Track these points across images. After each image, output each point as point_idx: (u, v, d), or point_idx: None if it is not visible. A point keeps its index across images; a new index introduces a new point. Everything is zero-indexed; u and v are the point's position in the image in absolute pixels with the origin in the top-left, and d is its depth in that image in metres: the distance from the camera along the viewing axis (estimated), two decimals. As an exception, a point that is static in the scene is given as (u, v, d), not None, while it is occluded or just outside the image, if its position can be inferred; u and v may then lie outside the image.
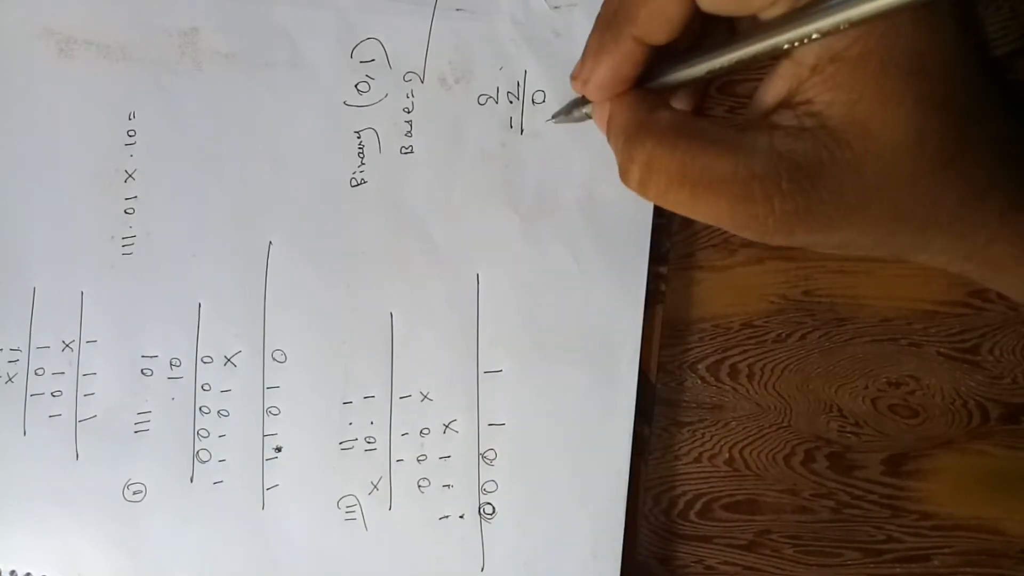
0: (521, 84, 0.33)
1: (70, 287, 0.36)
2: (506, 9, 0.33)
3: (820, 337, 0.34)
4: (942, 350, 0.34)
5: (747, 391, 0.35)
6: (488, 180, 0.34)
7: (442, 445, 0.35)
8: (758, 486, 0.35)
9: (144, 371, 0.35)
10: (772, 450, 0.35)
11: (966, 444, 0.34)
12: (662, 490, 0.36)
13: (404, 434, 0.35)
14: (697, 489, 0.36)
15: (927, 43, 0.19)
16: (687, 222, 0.34)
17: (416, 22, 0.33)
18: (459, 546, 0.35)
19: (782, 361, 0.35)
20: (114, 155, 0.35)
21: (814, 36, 0.19)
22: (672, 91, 0.24)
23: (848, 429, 0.35)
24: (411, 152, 0.34)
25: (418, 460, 0.35)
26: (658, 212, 0.33)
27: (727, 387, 0.35)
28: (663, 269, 0.34)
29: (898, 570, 0.35)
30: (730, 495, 0.35)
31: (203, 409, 0.35)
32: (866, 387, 0.34)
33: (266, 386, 0.35)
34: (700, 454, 0.35)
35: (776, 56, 0.20)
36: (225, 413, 0.35)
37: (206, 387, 0.35)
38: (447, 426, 0.35)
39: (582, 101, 0.26)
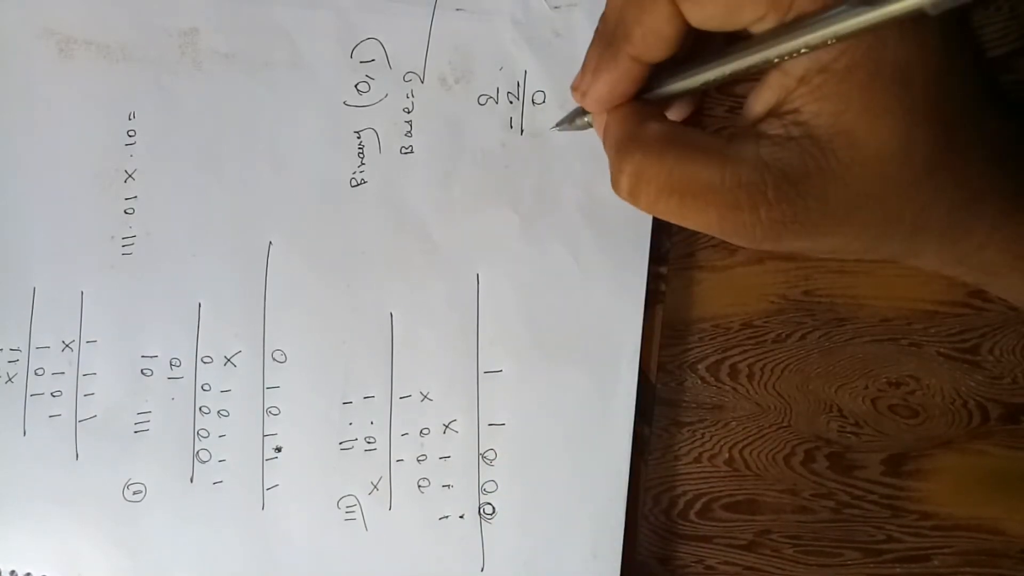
0: (521, 84, 0.33)
1: (70, 287, 0.36)
2: (506, 9, 0.33)
3: (820, 337, 0.34)
4: (942, 350, 0.34)
5: (747, 391, 0.35)
6: (488, 180, 0.34)
7: (442, 445, 0.35)
8: (758, 486, 0.35)
9: (144, 371, 0.35)
10: (772, 450, 0.35)
11: (966, 444, 0.34)
12: (662, 490, 0.36)
13: (404, 434, 0.35)
14: (697, 489, 0.36)
15: (914, 55, 0.19)
16: (687, 222, 0.34)
17: (416, 22, 0.33)
18: (459, 546, 0.35)
19: (782, 361, 0.35)
20: (114, 155, 0.35)
21: (803, 50, 0.19)
22: (669, 101, 0.24)
23: (848, 429, 0.35)
24: (411, 152, 0.34)
25: (418, 460, 0.35)
26: (658, 212, 0.33)
27: (727, 387, 0.35)
28: (663, 269, 0.34)
29: (898, 570, 0.35)
30: (730, 495, 0.35)
31: (203, 409, 0.35)
32: (866, 387, 0.34)
33: (266, 386, 0.35)
34: (700, 454, 0.35)
35: (766, 67, 0.21)
36: (225, 413, 0.35)
37: (206, 387, 0.35)
38: (447, 426, 0.35)
39: (583, 111, 0.26)
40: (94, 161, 0.35)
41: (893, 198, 0.20)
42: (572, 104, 0.26)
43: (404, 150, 0.34)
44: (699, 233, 0.35)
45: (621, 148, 0.23)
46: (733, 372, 0.35)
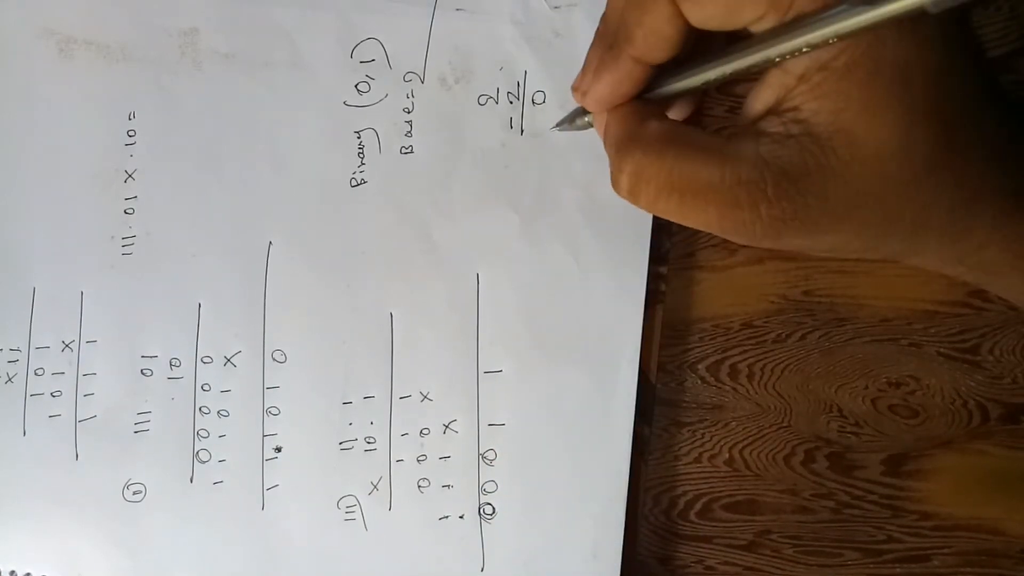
0: (521, 84, 0.33)
1: (70, 287, 0.36)
2: (506, 9, 0.33)
3: (820, 337, 0.34)
4: (942, 350, 0.34)
5: (747, 391, 0.35)
6: (488, 180, 0.34)
7: (442, 445, 0.35)
8: (758, 486, 0.35)
9: (144, 371, 0.35)
10: (772, 450, 0.35)
11: (966, 444, 0.34)
12: (662, 490, 0.36)
13: (404, 434, 0.35)
14: (697, 489, 0.36)
15: (913, 54, 0.19)
16: (687, 222, 0.34)
17: (416, 22, 0.33)
18: (459, 546, 0.35)
19: (782, 361, 0.35)
20: (114, 155, 0.35)
21: (804, 50, 0.19)
22: (669, 101, 0.24)
23: (848, 429, 0.35)
24: (411, 152, 0.34)
25: (418, 460, 0.35)
26: (658, 212, 0.33)
27: (727, 387, 0.35)
28: (663, 269, 0.34)
29: (898, 570, 0.35)
30: (730, 495, 0.35)
31: (203, 409, 0.35)
32: (866, 387, 0.34)
33: (266, 386, 0.35)
34: (700, 454, 0.35)
35: (767, 66, 0.21)
36: (225, 413, 0.35)
37: (206, 387, 0.35)
38: (447, 426, 0.35)
39: (584, 111, 0.26)
40: (94, 161, 0.35)
41: (893, 196, 0.20)
42: (572, 104, 0.26)
43: (404, 150, 0.34)
44: (699, 233, 0.35)
45: (621, 147, 0.23)
46: (733, 372, 0.35)
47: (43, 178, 0.35)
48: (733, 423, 0.35)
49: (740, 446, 0.35)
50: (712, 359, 0.35)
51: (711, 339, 0.35)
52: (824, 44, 0.19)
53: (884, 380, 0.34)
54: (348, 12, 0.34)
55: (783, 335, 0.35)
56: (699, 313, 0.35)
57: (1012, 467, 0.34)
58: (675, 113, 0.26)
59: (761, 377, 0.35)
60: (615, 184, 0.23)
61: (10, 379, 0.36)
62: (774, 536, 0.35)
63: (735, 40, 0.21)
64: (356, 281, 0.35)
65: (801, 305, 0.34)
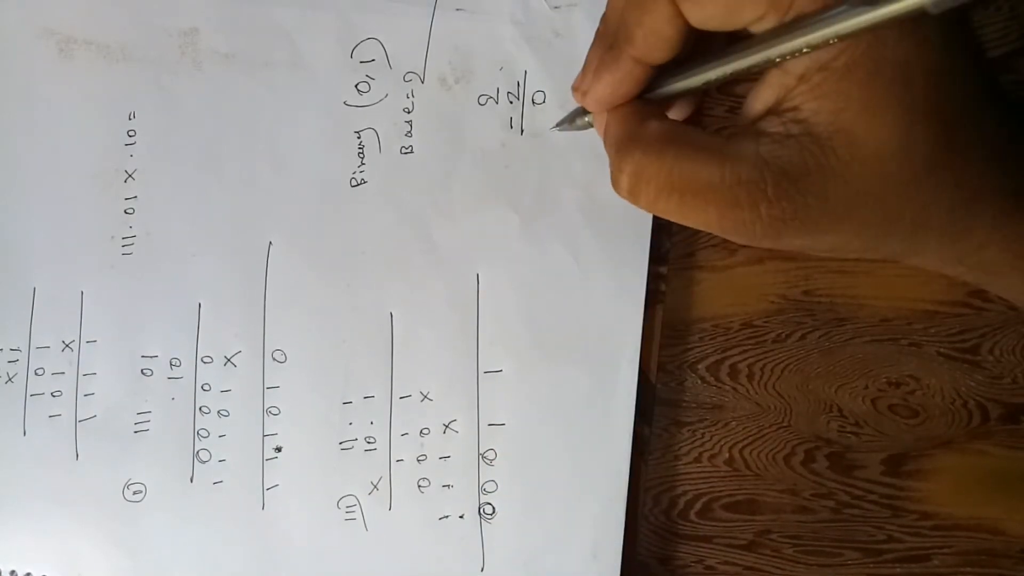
0: (521, 84, 0.33)
1: (70, 287, 0.36)
2: (506, 9, 0.33)
3: (820, 337, 0.34)
4: (942, 350, 0.34)
5: (747, 391, 0.35)
6: (488, 180, 0.34)
7: (442, 445, 0.35)
8: (758, 486, 0.35)
9: (144, 371, 0.35)
10: (772, 450, 0.35)
11: (966, 444, 0.34)
12: (662, 490, 0.36)
13: (404, 434, 0.35)
14: (697, 489, 0.36)
15: (913, 54, 0.19)
16: (687, 222, 0.34)
17: (416, 22, 0.33)
18: (459, 546, 0.35)
19: (782, 361, 0.35)
20: (114, 155, 0.35)
21: (804, 50, 0.19)
22: (669, 101, 0.24)
23: (848, 429, 0.35)
24: (411, 152, 0.34)
25: (418, 460, 0.35)
26: (658, 212, 0.33)
27: (727, 387, 0.35)
28: (663, 269, 0.34)
29: (898, 570, 0.35)
30: (730, 495, 0.35)
31: (203, 409, 0.35)
32: (866, 387, 0.34)
33: (266, 386, 0.35)
34: (700, 454, 0.35)
35: (767, 67, 0.21)
36: (225, 413, 0.35)
37: (206, 387, 0.35)
38: (447, 426, 0.35)
39: (584, 111, 0.26)
40: (94, 161, 0.35)
41: (893, 196, 0.20)
42: (572, 104, 0.26)
43: (404, 150, 0.34)
44: (699, 233, 0.35)
45: (621, 147, 0.23)
46: (733, 372, 0.35)
47: (43, 178, 0.35)
48: (733, 423, 0.35)
49: (740, 446, 0.35)
50: (712, 359, 0.35)
51: (711, 339, 0.35)
52: (824, 44, 0.19)
53: (884, 380, 0.34)
54: (348, 12, 0.34)
55: (783, 335, 0.35)
56: (699, 313, 0.35)
57: (1012, 467, 0.34)
58: (675, 113, 0.26)
59: (761, 377, 0.35)
60: (615, 184, 0.23)
61: (10, 379, 0.36)
62: (774, 536, 0.35)
63: (735, 40, 0.21)
64: (356, 281, 0.35)
65: (801, 305, 0.34)
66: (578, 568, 0.34)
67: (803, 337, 0.34)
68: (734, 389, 0.35)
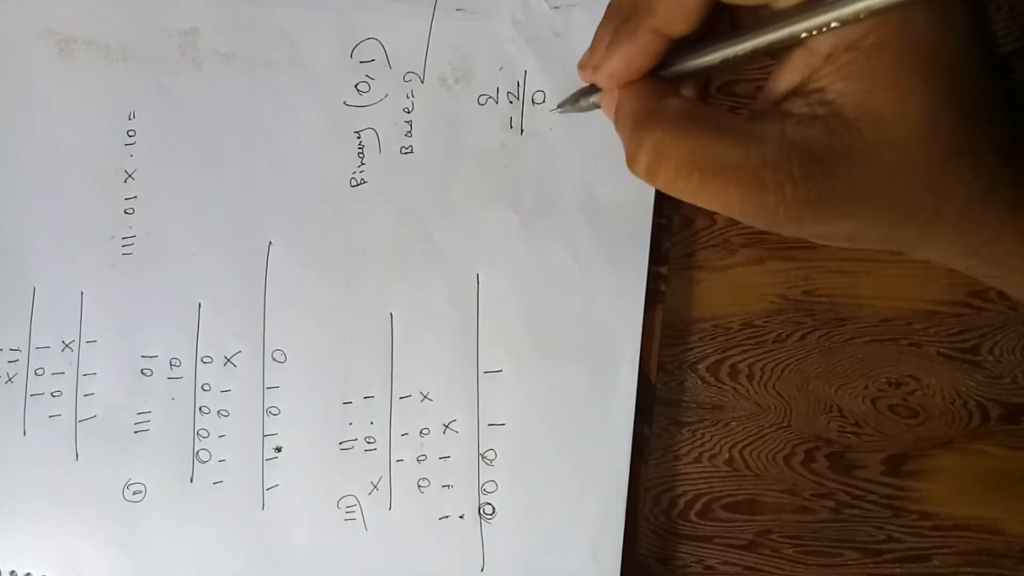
0: (521, 84, 0.33)
1: (70, 287, 0.36)
2: (506, 9, 0.33)
3: (820, 337, 0.34)
4: (942, 350, 0.34)
5: (747, 391, 0.35)
6: (488, 180, 0.34)
7: (442, 445, 0.35)
8: (758, 486, 0.35)
9: (144, 371, 0.35)
10: (772, 450, 0.35)
11: (966, 444, 0.34)
12: (662, 490, 0.36)
13: (404, 434, 0.35)
14: (697, 489, 0.36)
15: (939, 35, 0.19)
16: (687, 222, 0.34)
17: (416, 22, 0.33)
18: (459, 546, 0.35)
19: (782, 361, 0.35)
20: (114, 155, 0.35)
21: (833, 25, 0.19)
22: (681, 80, 0.23)
23: (848, 429, 0.35)
24: (411, 152, 0.34)
25: (418, 460, 0.35)
26: (658, 212, 0.33)
27: (727, 387, 0.35)
28: (663, 269, 0.34)
29: (898, 570, 0.35)
30: (730, 495, 0.35)
31: (203, 409, 0.35)
32: (866, 387, 0.34)
33: (266, 386, 0.35)
34: (700, 454, 0.35)
35: (790, 45, 0.20)
36: (225, 413, 0.35)
37: (206, 387, 0.35)
38: (447, 426, 0.35)
39: (589, 90, 0.25)
40: (94, 161, 0.35)
41: (916, 181, 0.20)
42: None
43: (404, 150, 0.34)
44: (699, 233, 0.35)
45: (639, 124, 0.22)
46: (733, 372, 0.35)
47: (43, 178, 0.35)
48: (733, 423, 0.35)
49: (740, 446, 0.35)
50: (712, 359, 0.35)
51: (711, 339, 0.35)
52: (855, 20, 0.19)
53: (884, 380, 0.34)
54: (348, 12, 0.34)
55: (783, 335, 0.35)
56: (699, 313, 0.35)
57: (1012, 467, 0.34)
58: (684, 94, 0.26)
59: (761, 377, 0.35)
60: (631, 162, 0.22)
61: (10, 379, 0.36)
62: (774, 536, 0.35)
63: (748, 18, 0.21)
64: (356, 281, 0.35)
65: (801, 305, 0.34)
66: (578, 568, 0.34)
67: (803, 337, 0.34)
68: (734, 389, 0.35)
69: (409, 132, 0.34)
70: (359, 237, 0.34)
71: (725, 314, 0.35)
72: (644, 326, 0.34)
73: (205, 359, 0.35)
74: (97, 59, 0.35)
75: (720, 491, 0.35)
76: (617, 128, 0.23)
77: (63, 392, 0.36)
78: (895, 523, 0.35)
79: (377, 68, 0.34)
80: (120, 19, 0.35)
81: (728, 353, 0.35)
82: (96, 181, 0.35)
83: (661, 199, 0.33)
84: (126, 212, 0.35)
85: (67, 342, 0.36)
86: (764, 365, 0.35)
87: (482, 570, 0.35)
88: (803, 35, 0.20)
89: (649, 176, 0.22)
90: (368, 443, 0.35)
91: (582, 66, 0.24)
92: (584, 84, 0.25)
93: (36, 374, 0.36)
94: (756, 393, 0.35)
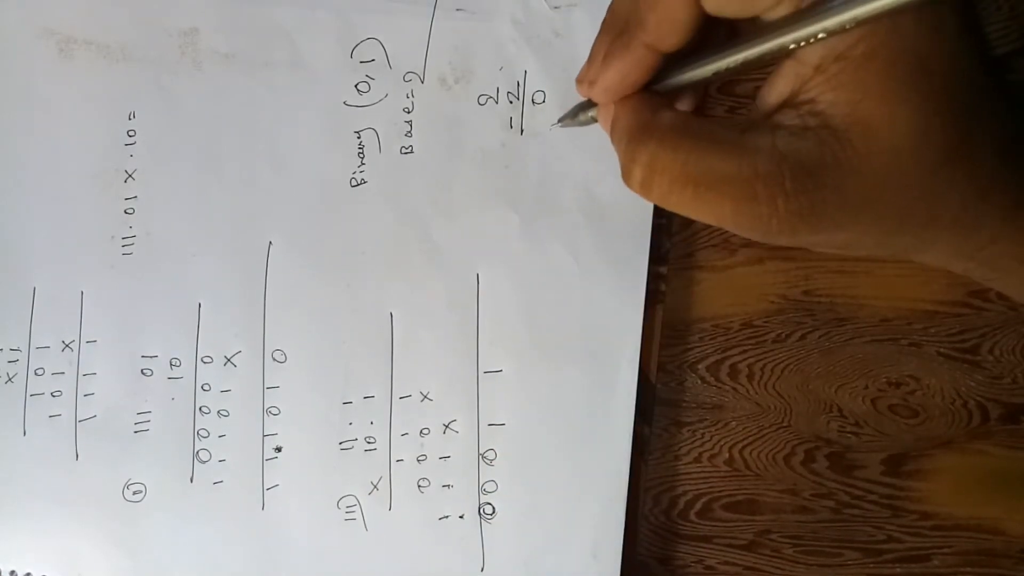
0: (521, 84, 0.33)
1: (70, 287, 0.36)
2: (506, 9, 0.33)
3: (820, 337, 0.34)
4: (942, 350, 0.34)
5: (747, 391, 0.35)
6: (488, 180, 0.34)
7: (442, 445, 0.35)
8: (758, 486, 0.35)
9: (144, 371, 0.35)
10: (772, 450, 0.35)
11: (966, 444, 0.34)
12: (662, 490, 0.36)
13: (404, 434, 0.35)
14: (697, 489, 0.36)
15: (930, 42, 0.19)
16: (687, 222, 0.34)
17: (416, 22, 0.33)
18: (459, 546, 0.35)
19: (782, 361, 0.35)
20: (114, 155, 0.35)
21: (820, 35, 0.19)
22: (676, 92, 0.24)
23: (848, 429, 0.35)
24: (411, 152, 0.34)
25: (418, 460, 0.35)
26: (658, 212, 0.33)
27: (727, 387, 0.35)
28: (663, 269, 0.34)
29: (898, 570, 0.35)
30: (730, 495, 0.35)
31: (203, 409, 0.35)
32: (866, 387, 0.34)
33: (266, 386, 0.35)
34: (700, 454, 0.35)
35: (780, 56, 0.20)
36: (225, 413, 0.35)
37: (206, 387, 0.35)
38: (447, 426, 0.35)
39: (587, 105, 0.26)
40: (94, 161, 0.35)
41: (908, 190, 0.20)
42: (572, 103, 0.26)
43: (404, 150, 0.34)
44: (699, 233, 0.35)
45: (633, 139, 0.22)
46: (733, 372, 0.35)
47: (43, 178, 0.35)
48: (733, 423, 0.35)
49: (740, 446, 0.35)
50: (712, 359, 0.35)
51: (711, 339, 0.35)
52: (841, 30, 0.19)
53: (884, 380, 0.34)
54: (348, 12, 0.34)
55: (783, 335, 0.35)
56: (699, 313, 0.35)
57: (1012, 467, 0.34)
58: (679, 106, 0.26)
59: (761, 377, 0.35)
60: (626, 176, 0.22)
61: (10, 379, 0.36)
62: (774, 536, 0.35)
63: (743, 30, 0.21)
64: (356, 281, 0.35)
65: (801, 305, 0.34)
66: (578, 568, 0.34)
67: (803, 337, 0.34)
68: (734, 389, 0.35)
69: (409, 132, 0.34)
70: (359, 237, 0.34)
71: (725, 314, 0.35)
72: (644, 326, 0.34)
73: (205, 359, 0.35)
74: (97, 59, 0.35)
75: (720, 491, 0.35)
76: (613, 142, 0.24)
77: (63, 392, 0.36)
78: (895, 523, 0.35)
79: (377, 68, 0.34)
80: (120, 19, 0.35)
81: (728, 353, 0.35)
82: (96, 181, 0.35)
83: (661, 199, 0.33)
84: (126, 212, 0.35)
85: (67, 342, 0.36)
86: (764, 365, 0.35)
87: (482, 570, 0.35)
88: (792, 46, 0.20)
89: (644, 190, 0.22)
90: (368, 443, 0.35)
91: (579, 81, 0.24)
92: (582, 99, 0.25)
93: (36, 374, 0.36)
94: (756, 393, 0.35)
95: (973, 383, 0.34)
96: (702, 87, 0.26)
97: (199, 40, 0.34)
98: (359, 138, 0.34)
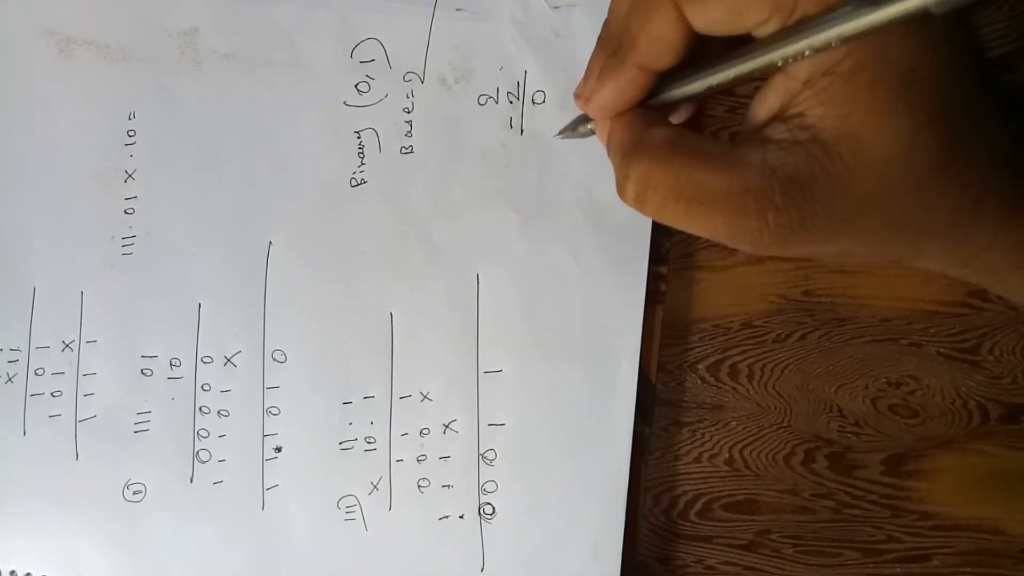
0: (521, 84, 0.33)
1: (70, 287, 0.36)
2: (506, 9, 0.33)
3: (820, 337, 0.34)
4: (942, 350, 0.34)
5: (747, 391, 0.35)
6: (488, 180, 0.34)
7: (442, 445, 0.35)
8: (758, 486, 0.35)
9: (144, 371, 0.35)
10: (772, 450, 0.35)
11: (966, 444, 0.34)
12: (662, 490, 0.36)
13: (404, 434, 0.35)
14: (697, 489, 0.36)
15: (917, 55, 0.19)
16: (687, 222, 0.34)
17: (416, 22, 0.33)
18: (459, 546, 0.35)
19: (782, 361, 0.35)
20: (114, 155, 0.35)
21: (807, 53, 0.19)
22: (672, 106, 0.24)
23: (848, 429, 0.35)
24: (411, 152, 0.34)
25: (418, 460, 0.35)
26: (658, 212, 0.33)
27: (727, 387, 0.35)
28: (663, 269, 0.34)
29: (898, 570, 0.35)
30: (730, 495, 0.35)
31: (203, 409, 0.35)
32: (866, 387, 0.34)
33: (266, 386, 0.35)
34: (700, 454, 0.35)
35: (771, 70, 0.21)
36: (225, 413, 0.35)
37: (206, 387, 0.35)
38: (447, 426, 0.35)
39: (586, 118, 0.26)
40: (94, 161, 0.35)
41: (898, 201, 0.20)
42: (572, 105, 0.26)
43: (404, 150, 0.34)
44: (699, 233, 0.35)
45: (627, 154, 0.22)
46: (733, 372, 0.35)
47: (43, 178, 0.35)
48: (733, 423, 0.35)
49: (740, 446, 0.35)
50: (712, 359, 0.35)
51: (711, 339, 0.35)
52: (828, 47, 0.19)
53: (884, 380, 0.34)
54: (348, 12, 0.34)
55: (783, 335, 0.35)
56: (699, 313, 0.35)
57: (1012, 467, 0.34)
58: (677, 116, 0.26)
59: (761, 377, 0.35)
60: (621, 191, 0.23)
61: (10, 379, 0.36)
62: (774, 536, 0.35)
63: (737, 45, 0.21)
64: (356, 281, 0.35)
65: (801, 305, 0.34)
66: (578, 568, 0.34)
67: (803, 337, 0.34)
68: (734, 389, 0.35)
69: (409, 132, 0.34)
70: (359, 237, 0.34)
71: (725, 314, 0.35)
72: (644, 326, 0.34)
73: (205, 359, 0.35)
74: (97, 59, 0.35)
75: (720, 491, 0.35)
76: (608, 155, 0.24)
77: (63, 392, 0.36)
78: (895, 523, 0.35)
79: (377, 68, 0.34)
80: (120, 19, 0.35)
81: (728, 353, 0.35)
82: (96, 181, 0.35)
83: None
84: (126, 212, 0.35)
85: (67, 342, 0.36)
86: (764, 365, 0.35)
87: (482, 570, 0.35)
88: (780, 62, 0.20)
89: (638, 204, 0.23)
90: (368, 443, 0.35)
91: (577, 96, 0.24)
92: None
93: (36, 374, 0.36)
94: (756, 393, 0.35)
95: (973, 383, 0.34)
96: (697, 101, 0.27)
97: (199, 40, 0.34)
98: (359, 138, 0.34)
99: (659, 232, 0.34)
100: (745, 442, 0.35)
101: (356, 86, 0.34)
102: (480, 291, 0.34)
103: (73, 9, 0.35)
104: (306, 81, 0.34)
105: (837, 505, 0.35)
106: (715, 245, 0.35)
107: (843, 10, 0.18)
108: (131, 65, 0.35)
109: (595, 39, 0.24)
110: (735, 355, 0.35)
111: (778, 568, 0.35)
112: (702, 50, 0.22)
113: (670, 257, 0.34)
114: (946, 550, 0.35)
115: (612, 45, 0.23)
